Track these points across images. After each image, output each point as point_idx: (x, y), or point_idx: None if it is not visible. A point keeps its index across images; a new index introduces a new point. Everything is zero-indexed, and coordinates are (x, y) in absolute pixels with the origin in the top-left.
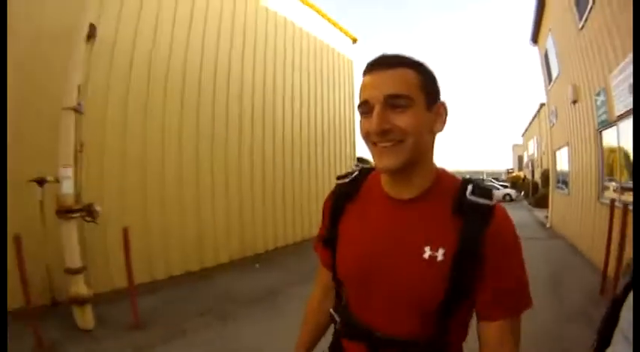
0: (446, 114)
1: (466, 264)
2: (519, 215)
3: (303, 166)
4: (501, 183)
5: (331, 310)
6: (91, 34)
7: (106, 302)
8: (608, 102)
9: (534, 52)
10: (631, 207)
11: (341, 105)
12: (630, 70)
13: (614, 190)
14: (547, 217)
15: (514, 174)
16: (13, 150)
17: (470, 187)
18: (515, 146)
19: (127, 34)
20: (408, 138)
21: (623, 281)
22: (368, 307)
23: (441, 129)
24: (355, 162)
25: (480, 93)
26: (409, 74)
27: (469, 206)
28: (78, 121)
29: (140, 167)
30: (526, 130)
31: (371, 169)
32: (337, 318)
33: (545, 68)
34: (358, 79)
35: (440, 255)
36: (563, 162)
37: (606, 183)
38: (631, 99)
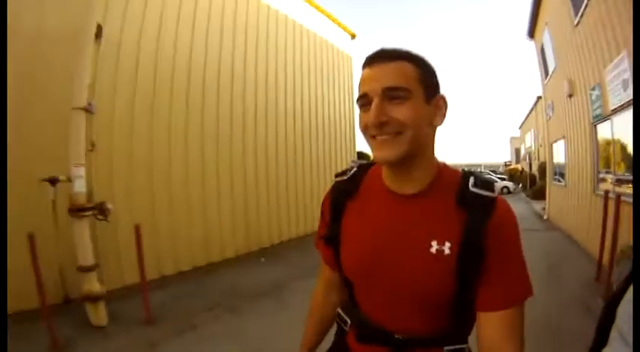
0: (446, 108)
1: (471, 255)
2: (517, 207)
3: (305, 162)
4: (499, 176)
5: (339, 310)
6: (98, 34)
7: (117, 298)
8: (602, 97)
9: (531, 46)
10: (624, 198)
11: (340, 101)
12: (624, 65)
13: (611, 183)
14: (544, 209)
15: (512, 167)
16: (23, 150)
17: (472, 180)
18: (512, 139)
19: (131, 34)
20: (407, 130)
21: (617, 269)
22: (376, 305)
23: (440, 123)
24: (353, 159)
25: (479, 86)
26: (407, 67)
27: (472, 198)
28: (88, 121)
29: (147, 167)
30: (523, 123)
31: (369, 165)
32: (347, 319)
33: (541, 62)
34: (357, 75)
35: (447, 248)
36: (559, 154)
37: (603, 175)
38: (625, 94)
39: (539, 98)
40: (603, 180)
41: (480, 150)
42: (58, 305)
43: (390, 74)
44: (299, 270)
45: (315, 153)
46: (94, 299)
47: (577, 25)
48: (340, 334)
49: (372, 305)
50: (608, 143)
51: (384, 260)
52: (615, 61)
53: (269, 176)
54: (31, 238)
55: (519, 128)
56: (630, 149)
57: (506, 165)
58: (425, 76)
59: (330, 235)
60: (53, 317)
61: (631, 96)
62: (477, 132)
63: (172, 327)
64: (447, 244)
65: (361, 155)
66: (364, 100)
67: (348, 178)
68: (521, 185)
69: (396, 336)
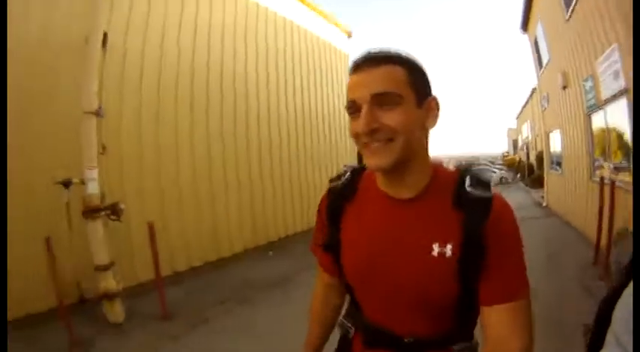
0: (438, 109)
1: (472, 255)
2: (517, 196)
3: (307, 157)
4: (498, 167)
5: (342, 318)
6: (104, 41)
7: (131, 296)
8: (595, 88)
9: (525, 39)
10: (618, 184)
11: (339, 98)
12: (614, 57)
13: (609, 170)
14: (543, 197)
15: (510, 157)
16: (35, 155)
17: (468, 179)
18: (509, 130)
19: (136, 41)
20: (398, 136)
21: (615, 251)
22: (379, 310)
23: (433, 125)
24: (345, 163)
25: (476, 79)
26: (397, 71)
27: (469, 198)
28: (98, 125)
29: (155, 170)
30: (520, 114)
31: (362, 168)
32: (351, 326)
33: (535, 55)
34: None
35: (448, 250)
36: (556, 143)
37: (601, 163)
38: (616, 84)
39: (534, 89)
40: (599, 167)
41: (479, 142)
42: (74, 305)
43: (378, 79)
44: (304, 263)
45: (316, 149)
46: (110, 297)
47: (568, 19)
48: (344, 340)
49: (374, 310)
50: (603, 131)
51: (380, 265)
52: (606, 52)
53: (273, 172)
54: (48, 241)
55: (516, 119)
56: (626, 137)
57: (504, 155)
58: (415, 78)
59: (330, 241)
60: (70, 317)
61: (622, 86)
62: (475, 125)
63: (187, 321)
64: (449, 246)
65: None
66: (353, 108)
67: (344, 182)
68: (519, 175)
69: (405, 340)
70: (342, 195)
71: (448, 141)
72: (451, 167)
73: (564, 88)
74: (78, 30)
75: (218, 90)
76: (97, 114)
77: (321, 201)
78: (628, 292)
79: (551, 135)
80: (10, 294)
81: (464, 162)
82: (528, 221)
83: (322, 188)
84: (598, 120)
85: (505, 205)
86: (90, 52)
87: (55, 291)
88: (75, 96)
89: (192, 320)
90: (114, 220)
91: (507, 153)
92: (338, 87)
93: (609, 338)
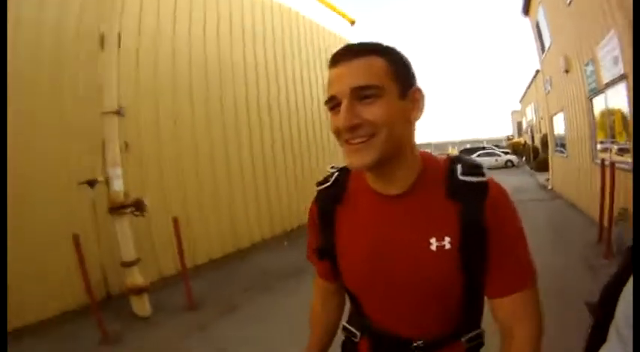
0: (423, 100)
1: (472, 245)
2: (522, 180)
3: (318, 147)
4: (503, 150)
5: (345, 324)
6: (118, 42)
7: (156, 290)
8: (596, 72)
9: (527, 22)
10: (618, 166)
11: None
12: (614, 42)
13: (609, 151)
14: (548, 180)
15: (514, 141)
16: (59, 156)
17: (459, 167)
18: (513, 112)
19: (148, 38)
20: (381, 130)
21: (615, 229)
22: (386, 313)
23: (418, 117)
24: (332, 165)
25: (479, 62)
26: (377, 62)
27: (463, 187)
28: (120, 124)
29: (176, 167)
30: (523, 96)
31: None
32: (356, 332)
33: (537, 38)
34: None
35: (447, 243)
36: (559, 126)
37: (606, 145)
38: (616, 68)
39: (537, 71)
40: (603, 150)
41: (482, 126)
42: (101, 301)
43: (358, 72)
44: None
45: (326, 138)
46: (137, 291)
47: (569, 4)
48: (349, 345)
49: (381, 314)
50: (603, 115)
51: (379, 266)
52: (606, 37)
53: (286, 162)
54: (76, 239)
55: (520, 102)
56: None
57: (508, 139)
58: (397, 69)
59: (324, 246)
60: (101, 313)
61: (622, 71)
62: (478, 108)
63: (214, 311)
64: (447, 239)
65: None
66: (333, 103)
67: (332, 184)
68: (524, 158)
69: (414, 344)
70: (332, 197)
71: (452, 127)
72: (456, 152)
73: (566, 71)
74: (92, 33)
75: (231, 85)
76: (119, 113)
77: (311, 207)
78: (629, 287)
79: (554, 118)
80: (44, 294)
81: (469, 146)
82: (534, 203)
83: None
84: (599, 104)
85: (501, 190)
86: (107, 54)
87: (86, 288)
88: (84, 95)
89: (218, 309)
90: (137, 216)
91: (512, 136)
92: None
93: (612, 332)
